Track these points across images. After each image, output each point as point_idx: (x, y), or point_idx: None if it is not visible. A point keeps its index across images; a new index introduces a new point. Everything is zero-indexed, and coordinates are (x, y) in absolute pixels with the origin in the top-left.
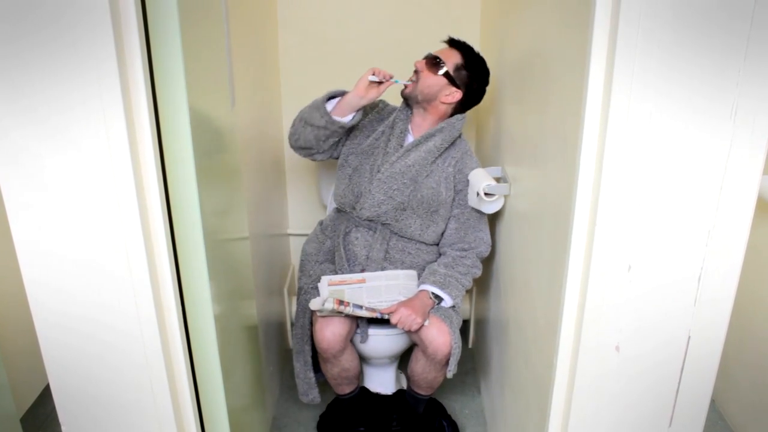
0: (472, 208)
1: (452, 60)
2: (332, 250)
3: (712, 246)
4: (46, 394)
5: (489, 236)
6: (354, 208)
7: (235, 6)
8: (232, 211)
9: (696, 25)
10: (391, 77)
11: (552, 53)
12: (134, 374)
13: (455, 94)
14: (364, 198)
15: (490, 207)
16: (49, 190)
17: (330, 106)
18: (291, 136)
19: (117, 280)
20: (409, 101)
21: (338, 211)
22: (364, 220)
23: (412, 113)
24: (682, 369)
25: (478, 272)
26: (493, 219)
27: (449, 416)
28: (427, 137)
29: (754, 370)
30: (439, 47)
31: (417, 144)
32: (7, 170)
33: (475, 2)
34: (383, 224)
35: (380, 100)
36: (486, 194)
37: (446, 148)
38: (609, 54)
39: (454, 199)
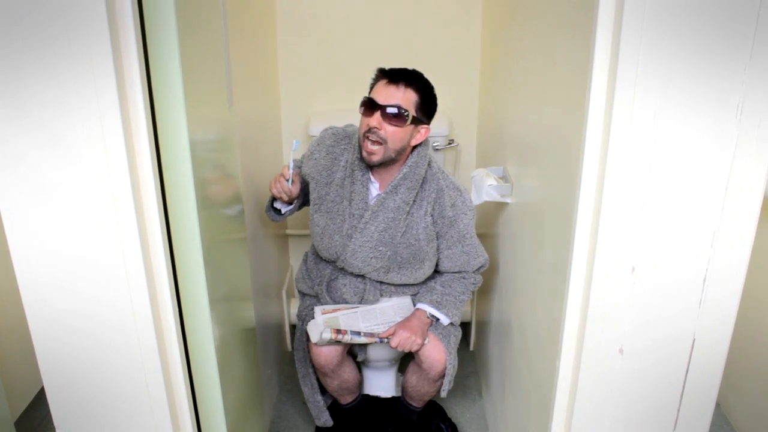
0: (463, 239)
1: (411, 101)
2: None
3: (717, 247)
4: (40, 398)
5: (484, 252)
6: (335, 263)
7: (233, 4)
8: (230, 210)
9: (700, 23)
10: (288, 180)
11: (555, 53)
12: (130, 377)
13: (424, 131)
14: (342, 260)
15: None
16: (44, 191)
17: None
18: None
19: (113, 282)
20: (380, 164)
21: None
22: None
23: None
24: (687, 372)
25: (478, 284)
26: (495, 219)
27: (449, 419)
28: (393, 190)
29: (760, 373)
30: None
31: (383, 201)
32: (2, 172)
33: (476, 2)
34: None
35: (328, 135)
36: (488, 194)
37: (418, 194)
38: (612, 53)
39: (439, 246)
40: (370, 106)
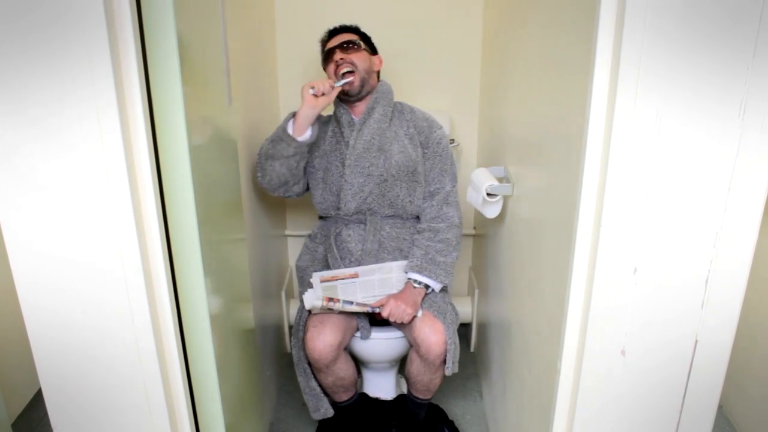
0: (438, 159)
1: (354, 37)
2: (326, 256)
3: (719, 248)
4: (38, 399)
5: (455, 174)
6: (339, 208)
7: (232, 3)
8: (229, 211)
9: (703, 22)
10: (332, 86)
11: (556, 52)
12: (128, 379)
13: (377, 60)
14: (345, 190)
15: (493, 210)
16: (41, 191)
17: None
18: (262, 179)
19: (111, 283)
20: (360, 91)
21: (322, 218)
22: (352, 215)
23: (350, 104)
24: (689, 374)
25: (447, 222)
26: (496, 219)
27: (451, 422)
28: (370, 111)
29: (763, 375)
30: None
31: (365, 120)
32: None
33: (477, 1)
34: (372, 213)
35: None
36: (488, 194)
37: (394, 115)
38: (614, 51)
39: (424, 155)
40: (328, 54)
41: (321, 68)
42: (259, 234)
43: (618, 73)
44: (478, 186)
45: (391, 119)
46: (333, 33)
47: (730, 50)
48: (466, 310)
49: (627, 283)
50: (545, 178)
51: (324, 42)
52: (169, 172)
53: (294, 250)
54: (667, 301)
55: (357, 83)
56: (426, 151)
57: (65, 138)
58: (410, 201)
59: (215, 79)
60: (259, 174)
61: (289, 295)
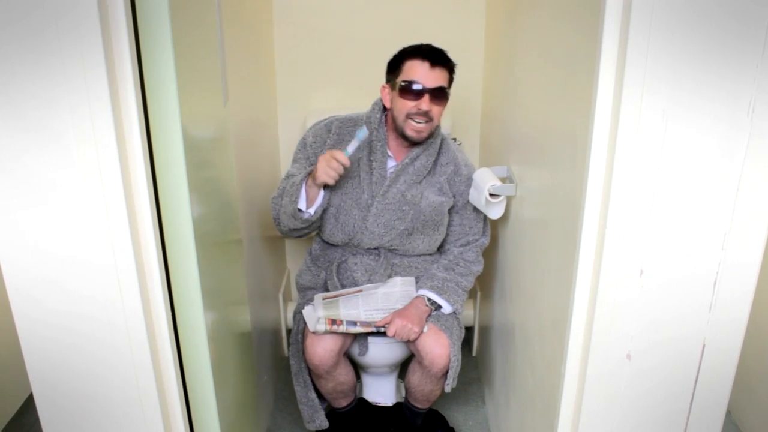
0: (476, 210)
1: (447, 79)
2: (327, 282)
3: (728, 249)
4: (29, 404)
5: (489, 226)
6: (348, 244)
7: (228, 1)
8: (225, 211)
9: (710, 20)
10: (346, 163)
11: (560, 50)
12: (122, 384)
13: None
14: (361, 234)
15: (496, 210)
16: (33, 190)
17: (302, 204)
18: (280, 230)
19: (104, 286)
20: (424, 142)
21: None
22: (365, 248)
23: (386, 134)
24: (697, 378)
25: (480, 268)
26: (499, 220)
27: (451, 428)
28: (413, 159)
29: None
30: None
31: (405, 166)
32: None
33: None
34: (386, 250)
35: (333, 120)
36: (491, 195)
37: (434, 159)
38: (620, 48)
39: (454, 205)
40: (415, 89)
41: (318, 67)
42: (256, 235)
43: (624, 72)
44: (480, 186)
45: (429, 170)
46: (433, 59)
47: (737, 50)
48: (468, 313)
49: (633, 285)
50: (549, 178)
51: (405, 54)
52: (164, 172)
53: (292, 251)
54: (674, 303)
55: (425, 134)
56: (461, 198)
57: (59, 137)
58: (428, 249)
59: (211, 78)
60: (276, 225)
61: (287, 298)
